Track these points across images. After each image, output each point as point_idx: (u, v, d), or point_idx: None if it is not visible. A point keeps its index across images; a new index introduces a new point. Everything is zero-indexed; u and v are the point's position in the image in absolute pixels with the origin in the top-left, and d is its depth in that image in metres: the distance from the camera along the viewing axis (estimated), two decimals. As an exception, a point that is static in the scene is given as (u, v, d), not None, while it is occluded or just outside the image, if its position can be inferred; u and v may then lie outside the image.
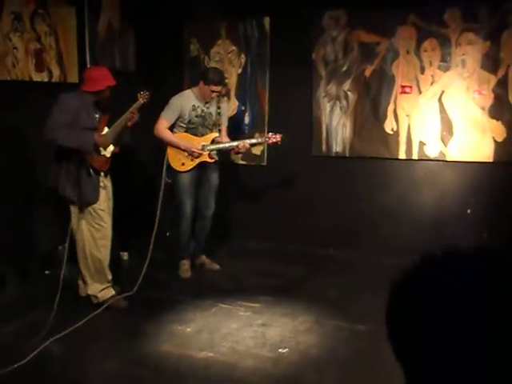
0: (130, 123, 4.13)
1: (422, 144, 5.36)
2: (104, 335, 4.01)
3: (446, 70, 5.20)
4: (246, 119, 5.96)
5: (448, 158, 5.30)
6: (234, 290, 4.66)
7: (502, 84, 5.05)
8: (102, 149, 4.04)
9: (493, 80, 5.07)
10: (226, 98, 5.53)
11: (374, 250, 5.24)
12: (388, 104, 5.41)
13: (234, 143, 4.86)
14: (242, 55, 5.90)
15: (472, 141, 5.20)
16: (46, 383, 3.23)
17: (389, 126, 5.44)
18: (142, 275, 4.46)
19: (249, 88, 5.91)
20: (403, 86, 5.35)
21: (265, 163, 5.94)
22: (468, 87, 5.15)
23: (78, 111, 3.89)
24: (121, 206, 4.41)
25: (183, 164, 4.78)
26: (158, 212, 4.68)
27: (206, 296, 4.46)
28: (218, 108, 4.89)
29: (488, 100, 5.11)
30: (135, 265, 4.89)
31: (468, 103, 5.17)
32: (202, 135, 4.83)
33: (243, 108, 5.96)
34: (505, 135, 5.10)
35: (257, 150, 5.90)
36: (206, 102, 4.79)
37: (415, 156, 5.40)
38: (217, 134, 4.89)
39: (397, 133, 5.43)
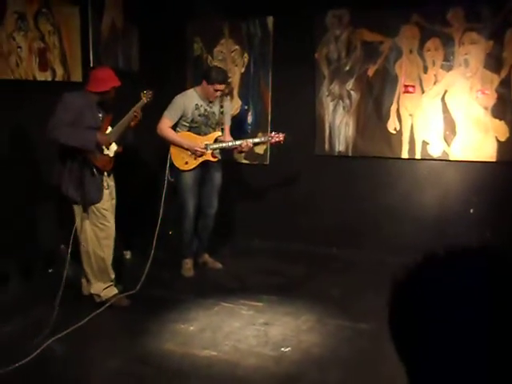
0: (133, 123, 4.14)
1: (424, 143, 5.36)
2: (106, 334, 4.02)
3: (449, 69, 5.19)
4: (249, 118, 5.96)
5: (451, 158, 5.29)
6: (237, 288, 4.66)
7: (505, 84, 5.04)
8: (105, 148, 4.04)
9: (496, 80, 5.06)
10: (228, 97, 5.54)
11: (377, 249, 5.24)
12: (391, 103, 5.41)
13: (237, 142, 4.86)
14: (245, 54, 5.90)
15: (475, 140, 5.19)
16: (48, 382, 3.24)
17: (392, 125, 5.43)
18: (144, 274, 4.48)
19: (252, 87, 5.91)
20: (406, 86, 5.34)
21: (268, 162, 5.94)
22: (471, 87, 5.14)
23: (81, 110, 3.89)
24: (124, 205, 4.42)
25: (186, 163, 4.78)
26: (161, 211, 4.69)
27: (209, 295, 4.46)
28: (221, 107, 4.89)
29: (491, 100, 5.09)
30: (138, 263, 4.90)
31: (471, 103, 5.16)
32: (205, 134, 4.84)
33: (246, 107, 5.96)
34: (508, 135, 5.09)
35: (260, 149, 5.90)
36: (210, 102, 4.79)
37: (418, 155, 5.39)
38: (220, 133, 4.89)
39: (400, 132, 5.42)
